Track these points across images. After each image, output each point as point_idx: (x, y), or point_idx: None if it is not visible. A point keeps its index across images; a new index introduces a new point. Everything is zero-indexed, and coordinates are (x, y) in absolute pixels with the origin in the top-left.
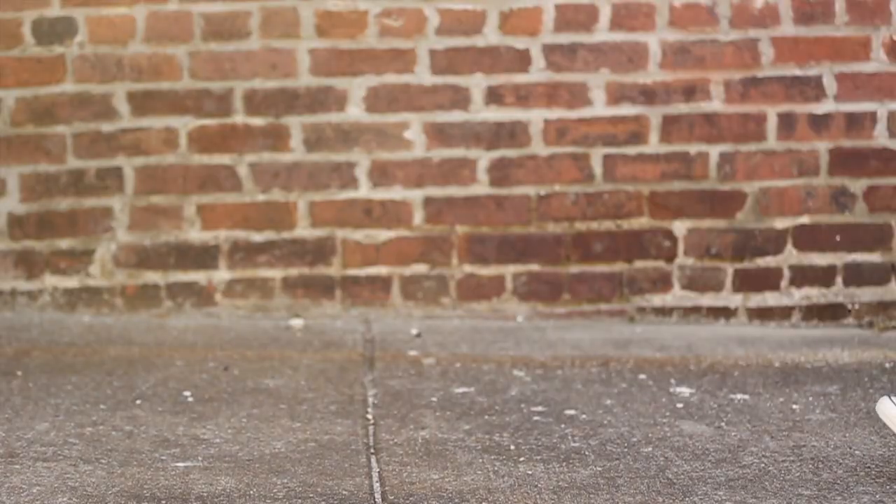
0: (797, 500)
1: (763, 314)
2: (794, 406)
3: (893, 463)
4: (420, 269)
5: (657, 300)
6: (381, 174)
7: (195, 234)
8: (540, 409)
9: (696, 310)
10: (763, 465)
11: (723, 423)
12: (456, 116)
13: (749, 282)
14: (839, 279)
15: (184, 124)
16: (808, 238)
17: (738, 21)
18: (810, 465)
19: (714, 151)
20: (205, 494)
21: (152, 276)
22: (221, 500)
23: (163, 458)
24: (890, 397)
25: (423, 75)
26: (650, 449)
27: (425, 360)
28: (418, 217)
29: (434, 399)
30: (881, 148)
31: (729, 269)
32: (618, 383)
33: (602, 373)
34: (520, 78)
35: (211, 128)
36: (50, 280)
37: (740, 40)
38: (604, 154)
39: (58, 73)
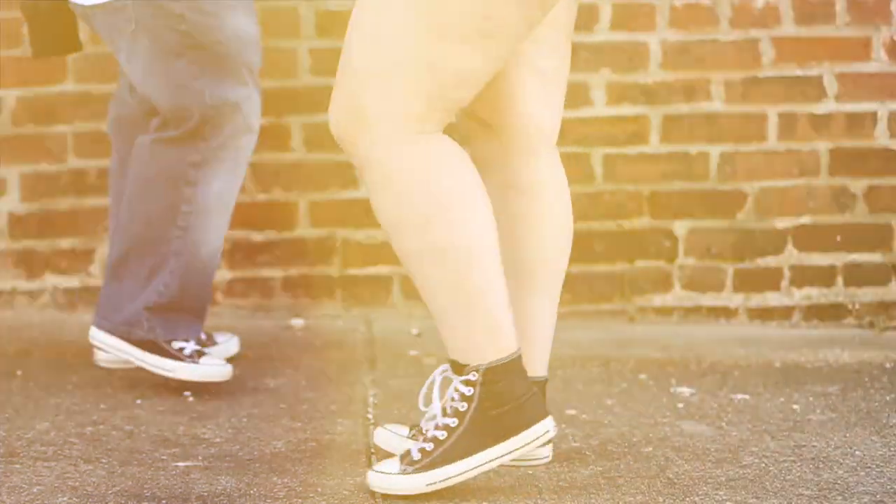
0: (798, 499)
1: (763, 314)
2: (795, 406)
3: (894, 463)
4: None
5: (658, 300)
6: None
7: None
8: None
9: (696, 310)
10: (764, 465)
11: (723, 423)
12: None
13: (749, 282)
14: (840, 279)
15: None
16: (808, 238)
17: (738, 21)
18: (811, 465)
19: (714, 151)
20: (205, 494)
21: None
22: (222, 500)
23: (163, 457)
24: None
25: None
26: (651, 449)
27: (426, 359)
28: None
29: None
30: (882, 148)
31: (729, 269)
32: (618, 383)
33: (603, 373)
34: None
35: None
36: (50, 279)
37: (741, 40)
38: (604, 154)
39: (59, 73)
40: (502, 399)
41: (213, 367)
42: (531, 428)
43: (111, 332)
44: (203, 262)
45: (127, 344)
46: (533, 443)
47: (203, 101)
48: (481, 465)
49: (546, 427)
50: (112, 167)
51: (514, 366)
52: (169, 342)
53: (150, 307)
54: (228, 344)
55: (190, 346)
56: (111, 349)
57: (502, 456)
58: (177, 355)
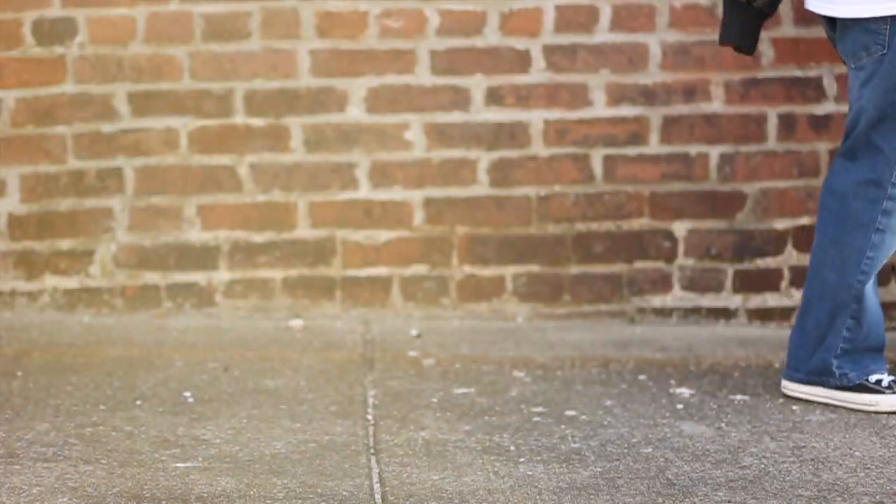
0: (797, 500)
1: (763, 315)
2: (794, 407)
3: (893, 463)
4: (420, 269)
5: (657, 301)
6: (381, 175)
7: (195, 235)
8: (540, 409)
9: (696, 311)
10: (763, 465)
11: (723, 424)
12: (456, 117)
13: (749, 283)
14: None
15: (184, 125)
16: (808, 239)
17: None
18: (810, 466)
19: (714, 152)
20: (205, 495)
21: (152, 277)
22: (221, 501)
23: (163, 458)
24: None
25: (423, 76)
26: (650, 450)
27: (425, 360)
28: (418, 218)
29: (434, 400)
30: None
31: (729, 269)
32: (618, 384)
33: (602, 373)
34: (520, 79)
35: (211, 128)
36: (50, 280)
37: None
38: (604, 155)
39: (58, 74)
40: None
41: None
42: None
43: (804, 382)
44: (875, 300)
45: (822, 389)
46: None
47: None
48: None
49: None
50: None
51: None
52: (866, 377)
53: (837, 354)
54: None
55: (886, 378)
56: (806, 396)
57: None
58: (876, 388)
